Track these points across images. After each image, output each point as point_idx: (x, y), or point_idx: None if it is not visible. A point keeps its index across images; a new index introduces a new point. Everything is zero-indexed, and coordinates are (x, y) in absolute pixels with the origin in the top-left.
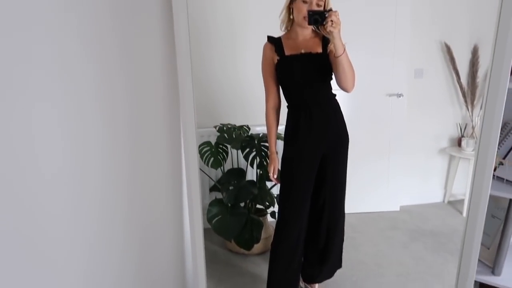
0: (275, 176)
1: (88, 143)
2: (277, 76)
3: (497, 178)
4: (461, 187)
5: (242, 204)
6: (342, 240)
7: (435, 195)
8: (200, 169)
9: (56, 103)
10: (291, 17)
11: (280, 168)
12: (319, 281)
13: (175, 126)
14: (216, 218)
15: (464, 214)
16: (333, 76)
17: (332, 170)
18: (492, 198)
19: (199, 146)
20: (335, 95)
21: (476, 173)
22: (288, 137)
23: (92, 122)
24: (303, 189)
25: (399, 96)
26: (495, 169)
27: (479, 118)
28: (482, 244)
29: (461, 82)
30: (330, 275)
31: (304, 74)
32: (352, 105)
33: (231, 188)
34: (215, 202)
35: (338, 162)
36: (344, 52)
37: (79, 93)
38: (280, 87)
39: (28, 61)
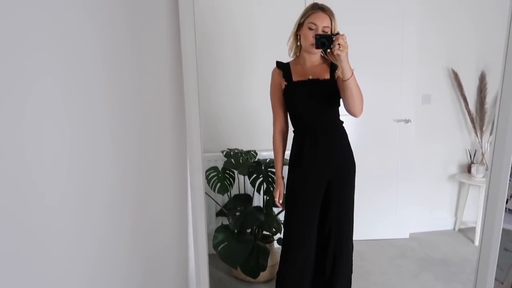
0: (281, 202)
1: (96, 167)
2: (284, 101)
3: (509, 211)
4: (472, 215)
5: (248, 230)
6: (351, 271)
7: (445, 223)
8: (207, 193)
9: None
10: (299, 43)
11: (285, 193)
12: None
13: (181, 152)
14: (222, 245)
15: (476, 242)
16: (341, 102)
17: (338, 197)
18: (505, 232)
19: (206, 171)
20: (342, 122)
21: (487, 206)
22: (293, 163)
23: (101, 144)
24: (308, 216)
25: (407, 122)
26: (507, 202)
27: (488, 144)
28: (495, 279)
29: (469, 108)
30: None
31: (311, 100)
32: (359, 130)
33: (237, 214)
34: (221, 228)
35: (343, 189)
36: (352, 76)
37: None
38: (287, 111)
39: (34, 64)
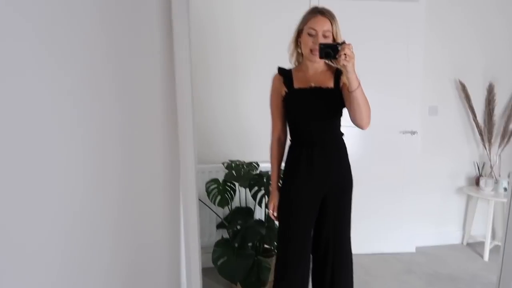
0: (275, 214)
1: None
2: (284, 109)
3: None
4: (481, 229)
5: (249, 244)
6: (352, 284)
7: (452, 236)
8: (207, 205)
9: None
10: (299, 50)
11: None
12: None
13: (174, 162)
14: (222, 260)
15: (485, 258)
16: (344, 112)
17: (334, 211)
18: None
19: (206, 183)
20: (342, 134)
21: (509, 223)
22: (287, 175)
23: (83, 171)
24: (303, 229)
25: (413, 134)
26: None
27: (497, 157)
28: None
29: (477, 120)
30: None
31: (311, 109)
32: (364, 142)
33: (238, 227)
34: (221, 242)
35: (340, 205)
36: (359, 86)
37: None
38: (286, 120)
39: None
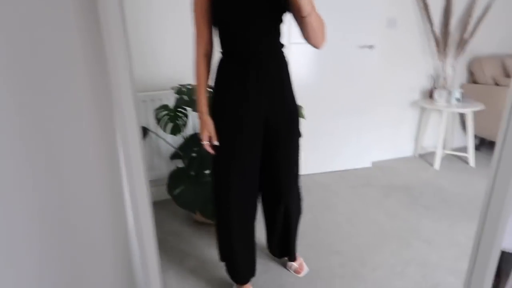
0: (216, 143)
1: None
2: (210, 14)
3: None
4: (431, 140)
5: (207, 172)
6: (300, 208)
7: (406, 149)
8: (158, 135)
9: None
10: None
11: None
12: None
13: (105, 94)
14: (179, 190)
15: (436, 166)
16: (291, 24)
17: (282, 136)
18: None
19: (155, 110)
20: (283, 45)
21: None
22: (219, 97)
23: None
24: (249, 159)
25: (370, 48)
26: None
27: (452, 68)
28: None
29: (434, 30)
30: (295, 219)
31: (245, 11)
32: (318, 58)
33: (193, 155)
34: (176, 172)
35: (287, 131)
36: (312, 11)
37: None
38: (213, 28)
39: None
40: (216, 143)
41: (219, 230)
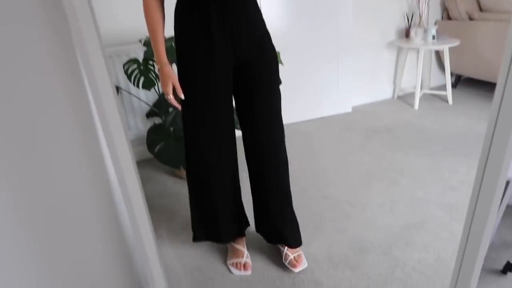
0: (182, 96)
1: None
2: None
3: None
4: (410, 81)
5: None
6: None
7: (385, 92)
8: (130, 93)
9: None
10: None
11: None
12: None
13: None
14: (159, 146)
15: (415, 106)
16: None
17: (259, 85)
18: None
19: (124, 65)
20: None
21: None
22: (182, 40)
23: None
24: (219, 115)
25: None
26: None
27: (426, 5)
28: None
29: None
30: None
31: None
32: (293, 2)
33: (170, 110)
34: (154, 129)
35: (265, 74)
36: None
37: None
38: None
39: None
40: (182, 96)
41: (193, 200)
